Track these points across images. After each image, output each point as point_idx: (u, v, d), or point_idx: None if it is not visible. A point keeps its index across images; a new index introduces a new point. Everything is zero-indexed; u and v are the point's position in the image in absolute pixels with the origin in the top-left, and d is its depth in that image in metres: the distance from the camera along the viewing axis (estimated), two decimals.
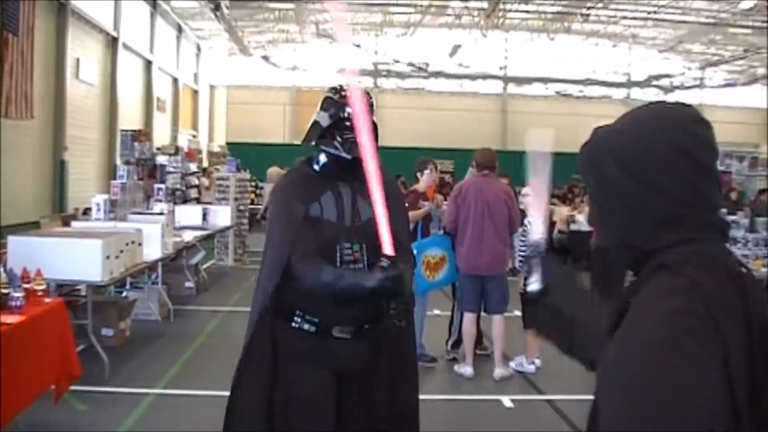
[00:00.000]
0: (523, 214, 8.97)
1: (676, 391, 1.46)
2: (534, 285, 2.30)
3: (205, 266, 15.07)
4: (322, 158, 3.95)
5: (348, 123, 3.81)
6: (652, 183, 1.68)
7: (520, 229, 9.07)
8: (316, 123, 3.93)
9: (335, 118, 3.86)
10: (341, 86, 4.03)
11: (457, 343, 9.49)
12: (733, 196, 15.36)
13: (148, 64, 26.77)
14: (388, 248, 3.40)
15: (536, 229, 2.64)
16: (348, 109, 3.81)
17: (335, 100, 3.92)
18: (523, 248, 9.17)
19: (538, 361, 9.09)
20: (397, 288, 3.49)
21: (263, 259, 3.98)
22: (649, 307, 1.57)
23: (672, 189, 1.67)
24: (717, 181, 1.75)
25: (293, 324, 3.84)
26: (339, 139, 3.84)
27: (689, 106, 1.78)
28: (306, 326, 3.83)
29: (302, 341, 3.83)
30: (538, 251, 2.38)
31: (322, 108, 3.96)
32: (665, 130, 1.69)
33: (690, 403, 1.45)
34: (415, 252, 8.54)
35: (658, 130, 1.69)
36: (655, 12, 29.80)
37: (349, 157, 3.81)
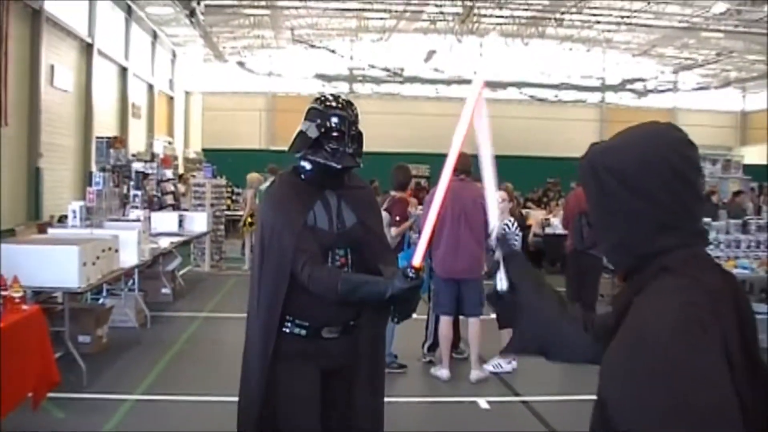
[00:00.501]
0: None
1: (692, 376, 1.63)
2: (502, 283, 2.43)
3: (181, 272, 15.08)
4: (308, 167, 3.99)
5: (335, 133, 3.88)
6: (647, 195, 1.90)
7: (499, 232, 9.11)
8: (302, 133, 3.96)
9: (322, 128, 3.89)
10: (326, 96, 4.08)
11: (433, 347, 9.55)
12: (714, 198, 15.53)
13: (124, 70, 26.69)
14: (418, 260, 3.44)
15: (495, 225, 2.66)
16: (334, 119, 3.90)
17: (321, 110, 3.95)
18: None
19: (515, 362, 9.16)
20: (414, 296, 3.63)
21: (261, 267, 3.95)
22: (659, 302, 1.77)
23: (665, 201, 1.90)
24: (701, 196, 2.01)
25: (284, 329, 3.93)
26: (328, 149, 3.88)
27: (679, 129, 2.02)
28: (297, 330, 3.94)
29: (292, 343, 3.92)
30: (505, 249, 2.50)
31: (307, 118, 3.98)
32: (661, 149, 1.92)
33: (705, 386, 1.63)
34: (404, 263, 8.63)
35: (654, 149, 1.92)
36: (628, 16, 29.95)
37: (339, 166, 3.89)
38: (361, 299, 3.76)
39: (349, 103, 4.04)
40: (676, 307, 1.73)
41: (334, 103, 3.98)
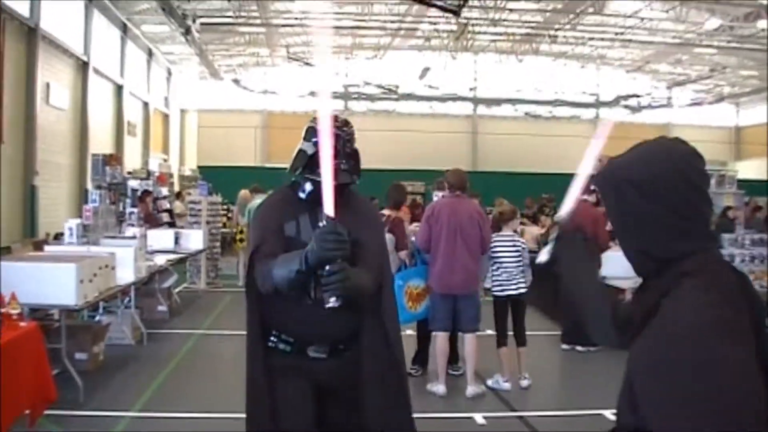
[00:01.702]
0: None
1: (726, 368, 1.81)
2: (543, 256, 2.65)
3: (177, 290, 14.99)
4: (308, 186, 4.01)
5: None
6: (665, 205, 2.09)
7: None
8: (301, 152, 4.01)
9: (318, 145, 3.86)
10: None
11: (419, 359, 9.60)
12: (731, 214, 15.76)
13: (119, 88, 26.74)
14: (329, 209, 3.23)
15: (564, 209, 2.77)
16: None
17: (317, 129, 3.86)
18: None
19: (526, 381, 9.20)
20: (330, 247, 3.28)
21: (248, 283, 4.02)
22: (686, 304, 1.94)
23: (680, 209, 2.09)
24: (710, 203, 2.20)
25: (269, 344, 3.97)
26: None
27: (686, 142, 2.21)
28: (281, 346, 3.96)
29: (281, 359, 3.95)
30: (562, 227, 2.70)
31: (305, 138, 4.03)
32: (674, 162, 2.12)
33: (740, 377, 1.81)
34: (400, 282, 8.61)
35: (668, 163, 2.12)
36: (622, 33, 30.11)
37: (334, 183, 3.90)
38: (289, 274, 3.49)
39: (346, 122, 4.08)
40: (702, 308, 1.91)
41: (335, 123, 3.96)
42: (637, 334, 2.03)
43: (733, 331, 1.88)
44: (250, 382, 3.98)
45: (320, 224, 3.32)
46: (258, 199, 17.22)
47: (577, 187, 2.76)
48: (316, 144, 3.89)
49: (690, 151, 2.18)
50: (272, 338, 3.96)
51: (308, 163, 3.94)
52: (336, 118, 4.03)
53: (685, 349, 1.85)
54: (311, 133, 3.99)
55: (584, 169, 2.78)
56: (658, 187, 2.10)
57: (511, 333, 9.24)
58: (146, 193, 17.24)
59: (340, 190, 3.73)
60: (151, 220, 15.91)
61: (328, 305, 3.30)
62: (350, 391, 4.00)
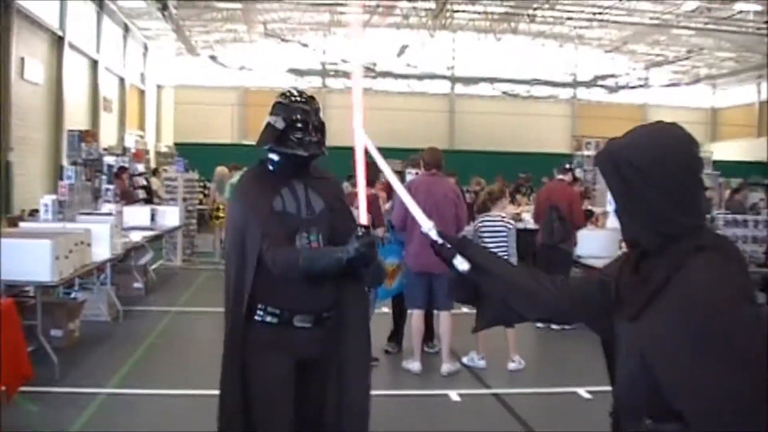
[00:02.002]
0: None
1: (759, 328, 2.09)
2: (463, 265, 2.73)
3: (153, 267, 14.99)
4: (276, 158, 4.17)
5: (300, 125, 4.09)
6: (665, 185, 2.26)
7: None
8: (269, 125, 4.13)
9: (288, 121, 4.08)
10: (289, 91, 4.29)
11: (394, 337, 9.65)
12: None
13: (95, 63, 26.48)
14: (363, 218, 3.67)
15: (422, 222, 3.01)
16: (298, 113, 4.10)
17: (286, 104, 4.15)
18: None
19: (514, 365, 9.22)
20: (371, 253, 3.71)
21: (229, 257, 4.15)
22: (714, 274, 2.16)
23: (679, 189, 2.28)
24: (703, 184, 2.43)
25: (256, 317, 4.04)
26: (294, 139, 4.07)
27: (682, 127, 2.39)
28: (268, 318, 4.04)
29: (265, 333, 4.03)
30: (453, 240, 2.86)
31: (272, 113, 4.16)
32: (674, 146, 2.31)
33: (762, 341, 2.07)
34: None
35: (668, 147, 2.30)
36: (600, 13, 30.17)
37: (306, 154, 4.10)
38: (322, 270, 3.86)
39: (312, 97, 4.26)
40: (727, 278, 2.17)
41: (297, 97, 4.20)
42: (643, 306, 2.24)
43: (752, 297, 2.19)
44: (227, 360, 4.05)
45: (358, 233, 3.66)
46: (237, 176, 17.24)
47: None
48: (284, 119, 4.10)
49: (687, 135, 2.37)
50: (259, 311, 4.03)
51: (277, 137, 4.09)
52: (301, 94, 4.26)
53: (723, 314, 2.09)
54: (279, 107, 4.15)
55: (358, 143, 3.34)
56: (658, 169, 2.26)
57: None
58: (122, 169, 17.11)
59: (308, 162, 4.21)
60: (127, 197, 15.82)
61: (366, 288, 3.99)
62: (330, 363, 4.14)
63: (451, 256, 2.76)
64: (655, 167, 2.27)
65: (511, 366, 9.16)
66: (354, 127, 3.46)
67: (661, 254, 2.29)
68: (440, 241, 2.86)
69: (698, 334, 2.08)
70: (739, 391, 2.03)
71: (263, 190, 4.12)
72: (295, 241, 4.06)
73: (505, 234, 9.09)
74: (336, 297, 4.13)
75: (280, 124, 4.09)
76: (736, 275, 2.21)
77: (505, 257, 8.83)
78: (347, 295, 4.17)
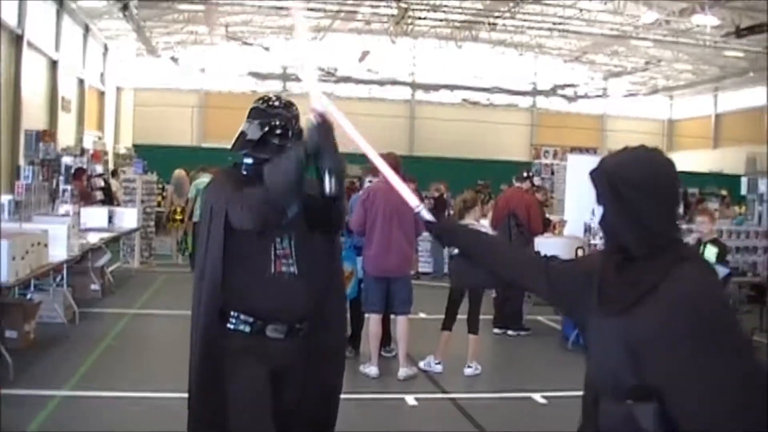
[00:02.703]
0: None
1: (738, 328, 2.57)
2: (452, 250, 3.24)
3: (111, 269, 14.74)
4: (252, 163, 4.08)
5: (279, 131, 4.05)
6: (654, 201, 2.62)
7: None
8: (244, 133, 4.09)
9: (266, 126, 4.04)
10: (268, 96, 4.26)
11: (351, 341, 9.68)
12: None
13: (54, 63, 26.15)
14: (317, 103, 3.77)
15: (411, 201, 3.39)
16: (277, 119, 4.06)
17: (263, 110, 4.10)
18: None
19: (470, 370, 9.29)
20: (327, 138, 3.74)
21: (200, 257, 4.09)
22: (703, 283, 2.57)
23: (665, 205, 2.66)
24: (679, 202, 2.92)
25: (229, 324, 3.96)
26: (272, 145, 4.01)
27: (662, 152, 2.78)
28: (241, 326, 3.95)
29: (238, 340, 3.94)
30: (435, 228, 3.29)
31: (250, 117, 4.11)
32: (661, 168, 2.67)
33: (746, 335, 2.64)
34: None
35: (656, 168, 2.66)
36: (560, 23, 30.39)
37: None
38: (288, 174, 3.71)
39: (290, 103, 4.20)
40: (714, 285, 2.66)
41: (276, 103, 4.15)
42: (629, 307, 2.57)
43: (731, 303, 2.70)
44: (202, 370, 3.95)
45: (311, 124, 3.72)
46: (203, 178, 17.16)
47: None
48: (262, 125, 4.05)
49: (669, 159, 2.74)
50: (232, 319, 3.95)
51: (254, 143, 4.04)
52: (279, 99, 4.22)
53: (711, 313, 2.49)
54: (256, 113, 4.11)
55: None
56: (649, 187, 2.62)
57: (463, 317, 9.33)
58: (81, 170, 17.00)
59: None
60: (86, 198, 15.71)
61: (329, 191, 3.82)
62: (303, 371, 4.07)
63: (448, 236, 3.27)
64: (648, 184, 2.62)
65: (468, 371, 9.23)
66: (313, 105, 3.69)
67: (647, 261, 2.62)
68: (432, 219, 3.25)
69: (696, 330, 2.45)
70: (733, 376, 2.43)
71: (238, 189, 3.94)
72: (271, 246, 3.98)
73: None
74: (312, 304, 4.04)
75: (255, 131, 4.04)
76: (716, 283, 2.73)
77: None
78: (329, 297, 4.16)
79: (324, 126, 3.70)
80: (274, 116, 4.07)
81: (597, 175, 2.75)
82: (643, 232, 2.62)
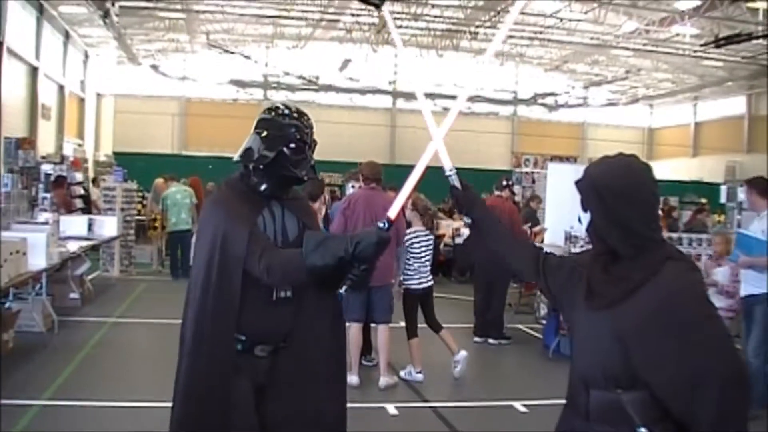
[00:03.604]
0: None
1: (719, 322, 2.82)
2: (466, 219, 3.61)
3: (90, 277, 14.77)
4: (264, 177, 3.96)
5: (293, 144, 3.90)
6: (636, 206, 2.88)
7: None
8: (258, 143, 3.92)
9: (285, 141, 3.89)
10: (277, 106, 4.08)
11: None
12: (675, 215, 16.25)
13: (34, 70, 25.98)
14: (394, 213, 3.60)
15: (446, 163, 3.75)
16: (292, 129, 3.91)
17: (277, 121, 3.95)
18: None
19: (460, 356, 9.45)
20: (378, 252, 3.53)
21: (208, 276, 3.81)
22: (686, 280, 2.82)
23: (646, 208, 2.92)
24: (658, 204, 3.10)
25: None
26: (291, 159, 3.90)
27: (641, 160, 3.04)
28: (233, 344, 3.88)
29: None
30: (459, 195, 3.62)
31: (259, 127, 3.97)
32: (641, 175, 2.94)
33: (725, 328, 2.89)
34: None
35: (637, 175, 2.93)
36: (541, 32, 30.48)
37: (304, 177, 3.97)
38: (326, 259, 3.56)
39: (302, 112, 4.04)
40: (696, 282, 2.88)
41: (294, 113, 4.00)
42: (617, 301, 2.83)
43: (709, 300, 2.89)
44: (202, 380, 3.82)
45: (380, 224, 3.53)
46: (173, 188, 17.28)
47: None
48: (278, 137, 3.89)
49: (648, 166, 3.00)
50: None
51: (273, 159, 3.88)
52: (288, 107, 4.06)
53: (696, 307, 2.77)
54: (268, 124, 3.96)
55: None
56: (631, 193, 2.87)
57: (424, 326, 9.42)
58: (61, 178, 16.91)
59: (296, 184, 4.08)
60: (67, 206, 15.60)
61: (340, 291, 3.66)
62: (287, 386, 3.98)
63: (467, 206, 3.55)
64: (630, 191, 2.88)
65: (456, 357, 9.43)
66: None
67: (633, 260, 2.87)
68: (459, 186, 3.58)
69: (681, 323, 2.70)
70: (711, 365, 2.67)
71: (245, 208, 3.88)
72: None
73: (430, 246, 9.51)
74: (298, 327, 3.97)
75: (275, 143, 3.88)
76: (699, 281, 2.93)
77: (428, 266, 9.26)
78: (318, 326, 4.03)
79: (383, 240, 3.49)
80: (290, 126, 3.94)
81: (583, 185, 3.00)
82: (626, 234, 2.87)
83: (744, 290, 8.23)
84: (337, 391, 4.18)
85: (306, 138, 3.94)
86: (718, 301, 8.30)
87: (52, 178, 16.88)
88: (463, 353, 9.44)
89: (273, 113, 4.00)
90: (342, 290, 3.64)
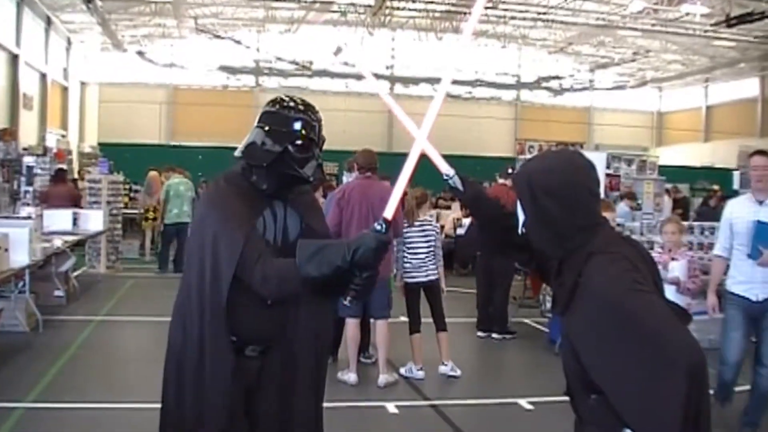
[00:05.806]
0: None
1: (654, 312, 2.58)
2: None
3: (75, 274, 14.70)
4: (267, 175, 3.75)
5: (300, 141, 3.72)
6: (569, 207, 2.84)
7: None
8: (263, 140, 3.72)
9: (289, 136, 3.70)
10: (282, 97, 3.87)
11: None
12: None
13: (14, 58, 25.67)
14: (390, 212, 3.33)
15: (443, 168, 3.50)
16: (297, 124, 3.72)
17: (284, 115, 3.75)
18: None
19: (446, 368, 9.38)
20: (379, 257, 3.35)
21: (201, 275, 3.66)
22: (606, 274, 2.67)
23: (580, 210, 2.86)
24: (600, 201, 3.05)
25: None
26: (296, 158, 3.71)
27: (584, 155, 3.00)
28: None
29: None
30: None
31: (262, 121, 3.77)
32: (578, 174, 2.90)
33: (663, 317, 2.58)
34: None
35: (573, 174, 2.88)
36: (545, 13, 29.99)
37: (311, 179, 3.80)
38: (322, 269, 3.37)
39: (309, 105, 3.84)
40: (616, 276, 2.65)
41: (291, 104, 3.79)
42: (566, 307, 2.77)
43: (642, 285, 2.65)
44: (206, 380, 3.69)
45: (377, 227, 3.29)
46: (176, 179, 17.73)
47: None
48: (285, 134, 3.71)
49: (589, 163, 2.95)
50: None
51: (277, 158, 3.69)
52: (294, 100, 3.84)
53: (618, 306, 2.58)
54: (275, 118, 3.75)
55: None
56: (564, 194, 2.83)
57: (429, 320, 9.38)
58: (62, 171, 16.82)
59: (301, 183, 3.86)
60: (78, 201, 15.47)
61: (345, 302, 3.52)
62: (276, 387, 3.89)
63: (474, 208, 3.42)
64: (561, 190, 2.83)
65: (443, 369, 9.33)
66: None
67: (567, 262, 2.84)
68: (461, 188, 3.37)
69: (602, 325, 2.61)
70: (641, 364, 2.49)
71: (244, 207, 3.69)
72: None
73: (430, 238, 9.38)
74: (288, 327, 3.86)
75: (278, 141, 3.68)
76: (624, 271, 2.67)
77: (434, 259, 9.35)
78: (303, 317, 3.88)
79: (382, 243, 3.29)
80: (297, 121, 3.72)
81: (519, 181, 2.98)
82: (553, 236, 2.86)
83: (764, 292, 7.02)
84: (317, 391, 4.12)
85: (313, 134, 3.76)
86: (682, 301, 7.35)
87: (52, 173, 17.09)
88: (448, 367, 9.34)
89: (277, 106, 3.82)
90: (346, 301, 3.52)
